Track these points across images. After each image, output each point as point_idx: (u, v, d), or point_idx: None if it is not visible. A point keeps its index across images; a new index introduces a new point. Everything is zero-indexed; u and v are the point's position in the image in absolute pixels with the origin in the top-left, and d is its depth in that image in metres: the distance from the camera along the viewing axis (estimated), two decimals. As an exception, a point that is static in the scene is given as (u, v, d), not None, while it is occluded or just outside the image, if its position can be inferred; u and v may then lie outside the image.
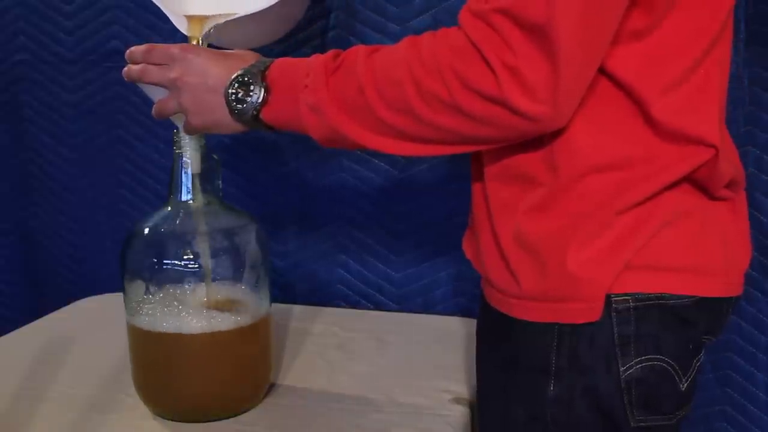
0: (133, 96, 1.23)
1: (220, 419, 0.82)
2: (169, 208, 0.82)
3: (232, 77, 0.74)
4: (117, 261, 0.82)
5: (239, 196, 1.22)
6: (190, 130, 0.80)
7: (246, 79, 0.73)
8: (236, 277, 0.81)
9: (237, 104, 0.73)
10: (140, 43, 1.18)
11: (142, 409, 0.84)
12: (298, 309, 1.10)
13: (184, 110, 0.77)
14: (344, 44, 1.12)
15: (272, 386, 0.90)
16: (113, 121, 1.29)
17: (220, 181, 0.84)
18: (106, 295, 1.22)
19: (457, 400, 0.87)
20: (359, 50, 0.69)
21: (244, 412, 0.84)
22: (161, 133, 1.24)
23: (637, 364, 0.70)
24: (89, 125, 1.31)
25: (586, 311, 0.69)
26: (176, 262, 0.79)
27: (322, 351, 1.01)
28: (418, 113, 0.65)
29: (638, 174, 0.67)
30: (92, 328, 1.10)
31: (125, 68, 0.80)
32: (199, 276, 0.80)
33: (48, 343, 1.04)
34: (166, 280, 0.80)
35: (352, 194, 1.18)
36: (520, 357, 0.73)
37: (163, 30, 1.22)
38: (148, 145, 1.28)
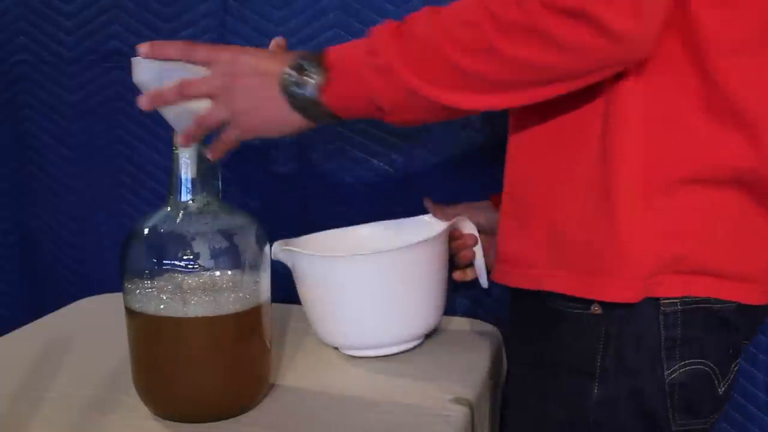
0: (133, 96, 1.23)
1: (220, 419, 0.82)
2: (169, 208, 0.82)
3: (288, 65, 0.71)
4: (117, 261, 0.82)
5: (239, 196, 1.22)
6: (234, 140, 0.75)
7: (301, 63, 0.70)
8: (236, 277, 0.81)
9: (296, 89, 0.70)
10: (140, 43, 1.18)
11: (142, 409, 0.84)
12: (298, 309, 1.09)
13: (235, 115, 0.73)
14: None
15: (272, 386, 0.90)
16: (113, 121, 1.29)
17: (219, 182, 0.84)
18: (106, 295, 1.22)
19: (457, 400, 0.87)
20: (422, 11, 0.67)
21: (244, 412, 0.84)
22: (161, 133, 1.24)
23: (681, 368, 0.69)
24: (89, 125, 1.31)
25: (624, 290, 0.68)
26: (176, 262, 0.79)
27: (321, 351, 1.01)
28: (497, 48, 0.62)
29: (693, 168, 0.67)
30: (92, 328, 1.10)
31: (149, 96, 0.76)
32: (199, 275, 0.80)
33: (48, 343, 1.04)
34: (166, 281, 0.80)
35: (352, 194, 1.18)
36: (564, 358, 0.72)
37: (162, 30, 1.22)
38: (148, 145, 1.28)
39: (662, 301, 0.68)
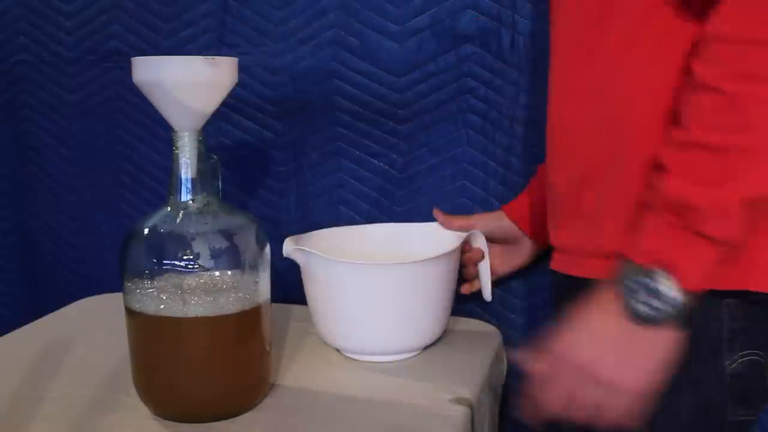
0: (133, 96, 1.24)
1: (219, 419, 0.82)
2: (169, 208, 0.82)
3: (624, 300, 0.65)
4: (117, 261, 0.83)
5: (239, 196, 1.22)
6: (631, 413, 0.69)
7: (638, 289, 0.65)
8: (236, 277, 0.81)
9: (659, 313, 0.65)
10: (140, 43, 1.19)
11: (142, 409, 0.84)
12: (298, 309, 1.09)
13: (613, 389, 0.68)
14: (343, 44, 1.12)
15: (272, 386, 0.90)
16: (113, 121, 1.29)
17: (219, 182, 0.84)
18: (106, 295, 1.22)
19: (458, 400, 0.87)
20: (673, 135, 0.65)
21: (244, 412, 0.84)
22: (161, 133, 1.24)
23: (739, 358, 0.70)
24: (89, 125, 1.31)
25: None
26: (176, 262, 0.79)
27: (322, 351, 1.01)
28: None
29: None
30: (92, 328, 1.10)
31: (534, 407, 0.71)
32: (199, 275, 0.80)
33: (48, 343, 1.04)
34: (166, 281, 0.80)
35: (352, 194, 1.18)
36: None
37: (162, 30, 1.22)
38: (148, 145, 1.28)
39: (727, 293, 0.69)
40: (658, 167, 0.66)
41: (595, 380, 0.68)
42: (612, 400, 0.68)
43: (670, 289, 0.64)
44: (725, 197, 0.62)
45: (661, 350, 0.67)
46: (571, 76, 0.77)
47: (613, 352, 0.67)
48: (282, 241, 0.96)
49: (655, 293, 0.64)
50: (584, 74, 0.74)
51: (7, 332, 1.09)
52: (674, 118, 0.66)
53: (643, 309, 0.65)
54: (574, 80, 0.76)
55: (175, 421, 0.82)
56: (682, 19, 0.68)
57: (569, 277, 0.80)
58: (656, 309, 0.65)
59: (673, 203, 0.64)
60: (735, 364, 0.70)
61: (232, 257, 0.81)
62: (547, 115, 0.83)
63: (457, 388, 0.90)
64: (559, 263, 0.82)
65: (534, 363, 0.72)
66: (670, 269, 0.64)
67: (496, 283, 1.09)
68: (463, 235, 1.02)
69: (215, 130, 1.20)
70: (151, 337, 0.82)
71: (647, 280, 0.64)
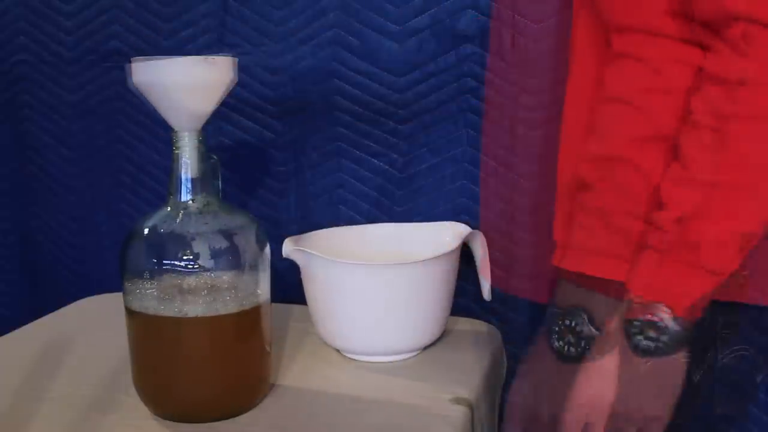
0: (133, 96, 1.23)
1: (219, 419, 0.82)
2: (169, 208, 0.82)
3: (630, 339, 0.67)
4: (117, 261, 0.83)
5: (239, 196, 1.22)
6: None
7: (636, 328, 0.67)
8: (236, 277, 0.81)
9: (662, 343, 0.67)
10: (140, 43, 1.19)
11: (142, 409, 0.84)
12: (298, 309, 1.09)
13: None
14: (343, 44, 1.12)
15: (272, 386, 0.90)
16: (113, 121, 1.29)
17: (219, 181, 0.84)
18: (106, 295, 1.22)
19: (457, 400, 0.87)
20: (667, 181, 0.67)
21: (244, 412, 0.84)
22: (161, 133, 1.24)
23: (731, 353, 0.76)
24: (89, 125, 1.31)
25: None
26: (176, 262, 0.79)
27: (322, 351, 1.01)
28: None
29: None
30: (92, 328, 1.10)
31: None
32: (199, 275, 0.80)
33: (48, 343, 1.04)
34: (166, 281, 0.80)
35: (352, 194, 1.18)
36: None
37: (162, 30, 1.22)
38: (148, 145, 1.28)
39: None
40: (656, 202, 0.68)
41: (626, 419, 0.69)
42: None
43: (673, 323, 0.66)
44: (720, 232, 0.65)
45: (673, 375, 0.69)
46: (589, 83, 0.78)
47: (635, 387, 0.69)
48: (282, 241, 0.96)
49: (659, 329, 0.66)
50: (597, 81, 0.76)
51: (7, 332, 1.09)
52: (674, 152, 0.68)
53: (646, 344, 0.67)
54: (591, 87, 0.78)
55: (175, 421, 0.82)
56: (688, 30, 0.70)
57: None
58: (663, 343, 0.67)
59: (672, 238, 0.66)
60: (727, 358, 0.72)
61: (232, 257, 0.81)
62: (564, 117, 0.85)
63: (456, 388, 0.90)
64: (561, 260, 0.83)
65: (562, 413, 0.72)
66: (671, 303, 0.66)
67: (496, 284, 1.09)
68: (463, 234, 1.02)
69: (215, 130, 1.20)
70: (151, 337, 0.82)
71: (650, 317, 0.66)
